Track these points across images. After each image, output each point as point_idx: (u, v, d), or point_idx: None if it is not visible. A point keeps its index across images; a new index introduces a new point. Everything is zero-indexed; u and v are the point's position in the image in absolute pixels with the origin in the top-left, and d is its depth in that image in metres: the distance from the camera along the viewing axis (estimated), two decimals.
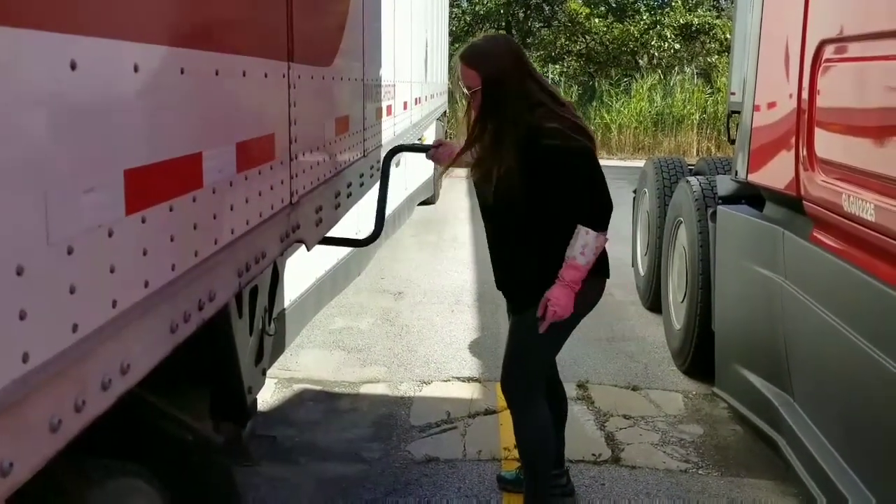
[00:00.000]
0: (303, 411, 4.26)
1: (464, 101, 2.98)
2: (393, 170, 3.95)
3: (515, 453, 3.76)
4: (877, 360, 2.49)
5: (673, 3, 21.21)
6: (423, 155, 3.49)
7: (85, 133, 1.20)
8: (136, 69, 1.34)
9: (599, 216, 2.81)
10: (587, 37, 21.57)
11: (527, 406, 3.07)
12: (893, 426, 2.50)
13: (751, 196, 4.04)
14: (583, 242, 2.78)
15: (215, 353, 2.28)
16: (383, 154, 4.07)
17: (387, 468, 3.65)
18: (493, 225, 3.02)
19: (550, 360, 3.15)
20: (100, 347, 1.23)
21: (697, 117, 18.11)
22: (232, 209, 1.86)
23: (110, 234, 1.27)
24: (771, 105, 3.66)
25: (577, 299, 2.82)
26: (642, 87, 18.95)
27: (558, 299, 2.79)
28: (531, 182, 2.79)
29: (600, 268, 2.92)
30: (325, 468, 3.64)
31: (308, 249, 2.79)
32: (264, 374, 2.76)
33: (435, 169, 10.61)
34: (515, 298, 3.05)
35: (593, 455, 3.78)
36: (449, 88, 14.32)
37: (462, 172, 13.89)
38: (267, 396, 4.32)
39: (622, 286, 6.35)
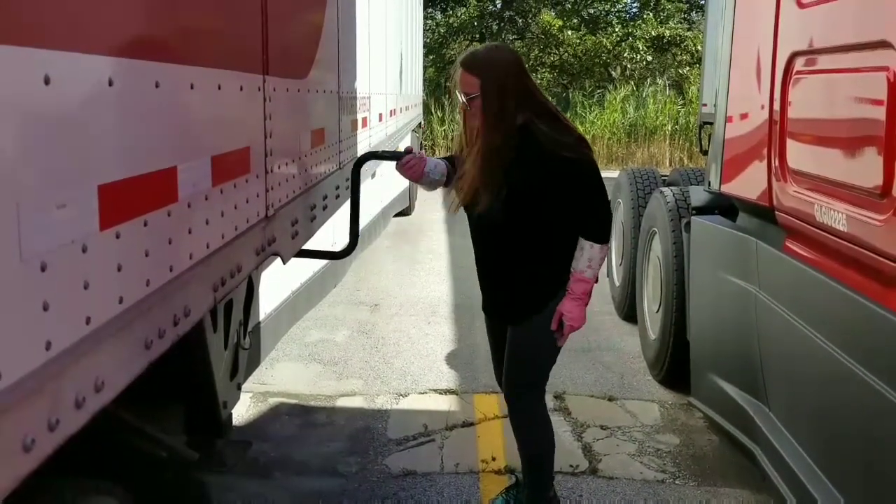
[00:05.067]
0: (278, 425, 4.22)
1: (458, 115, 2.98)
2: (368, 181, 3.93)
3: (494, 465, 3.76)
4: (849, 367, 2.52)
5: (645, 16, 21.46)
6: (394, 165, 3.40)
7: (58, 148, 1.18)
8: (110, 83, 1.33)
9: (603, 229, 2.87)
10: (560, 49, 21.73)
11: (532, 414, 3.07)
12: (867, 433, 2.52)
13: (724, 206, 4.08)
14: (589, 256, 2.84)
15: (190, 368, 2.26)
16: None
17: (364, 482, 3.63)
18: (494, 238, 2.95)
19: (551, 367, 3.14)
20: (73, 365, 1.22)
21: (670, 128, 18.29)
22: (207, 223, 1.84)
23: (84, 250, 1.25)
24: (743, 116, 3.71)
25: None
26: (615, 98, 19.11)
27: (572, 312, 2.86)
28: (542, 194, 2.80)
29: None
30: (301, 483, 3.61)
31: (284, 262, 2.77)
32: (239, 388, 2.74)
33: (413, 186, 10.62)
34: (516, 311, 3.01)
35: (571, 466, 3.78)
36: (423, 100, 14.33)
37: None
38: (242, 411, 4.28)
39: (598, 296, 6.36)
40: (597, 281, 3.00)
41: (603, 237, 2.87)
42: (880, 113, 2.39)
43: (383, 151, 3.64)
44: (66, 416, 1.19)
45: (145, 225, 1.48)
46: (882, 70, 2.38)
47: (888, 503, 2.40)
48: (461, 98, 2.85)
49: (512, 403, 3.10)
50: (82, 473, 1.64)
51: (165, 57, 1.59)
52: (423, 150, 5.35)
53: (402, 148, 3.42)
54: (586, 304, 2.90)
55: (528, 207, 2.82)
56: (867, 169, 2.48)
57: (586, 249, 2.85)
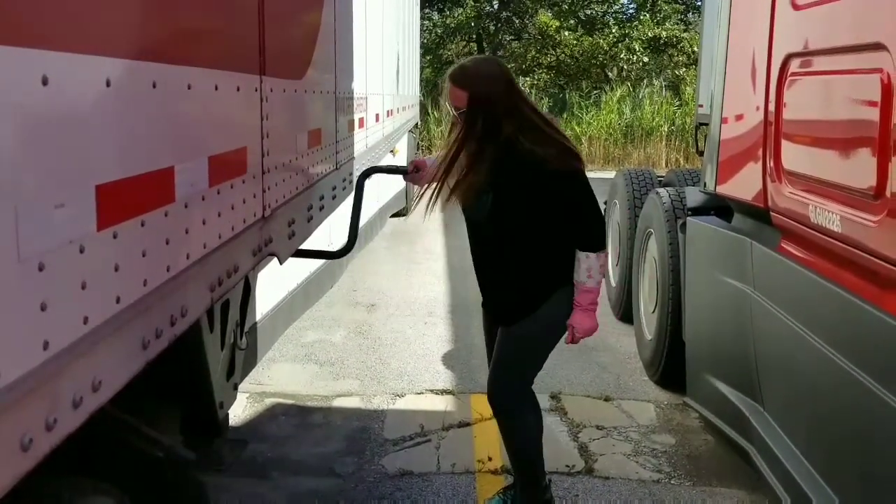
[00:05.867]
0: (275, 426, 4.22)
1: (445, 126, 3.00)
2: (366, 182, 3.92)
3: (490, 465, 3.77)
4: (844, 368, 2.53)
5: (641, 17, 21.49)
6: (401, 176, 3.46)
7: (56, 148, 1.19)
8: (107, 84, 1.34)
9: (596, 238, 2.89)
10: (557, 49, 21.76)
11: (517, 415, 3.08)
12: (862, 433, 2.53)
13: (720, 207, 4.09)
14: (587, 266, 2.87)
15: (186, 368, 2.26)
16: (356, 171, 4.07)
17: (360, 482, 3.63)
18: (483, 243, 3.00)
19: (539, 369, 3.15)
20: (71, 364, 1.22)
21: (666, 129, 18.32)
22: (204, 223, 1.85)
23: (82, 250, 1.26)
24: (738, 117, 3.72)
25: (566, 310, 2.93)
26: (612, 99, 19.14)
27: (582, 324, 2.92)
28: (528, 204, 2.82)
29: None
30: (297, 483, 3.62)
31: (281, 263, 2.78)
32: (236, 388, 2.74)
33: (409, 186, 10.62)
34: (504, 313, 3.04)
35: (567, 466, 3.79)
36: (420, 101, 14.34)
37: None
38: (239, 411, 4.28)
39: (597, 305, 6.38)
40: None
41: (597, 245, 2.87)
42: (874, 114, 2.40)
43: (388, 166, 3.72)
44: (63, 416, 1.20)
45: (143, 225, 1.49)
46: (876, 72, 2.39)
47: (883, 503, 2.41)
48: (452, 111, 2.88)
49: (495, 406, 3.12)
50: (80, 473, 1.64)
51: (163, 58, 1.59)
52: (420, 151, 5.37)
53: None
54: (595, 311, 2.94)
55: (512, 218, 2.85)
56: (861, 170, 2.49)
57: (583, 260, 2.87)
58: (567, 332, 2.96)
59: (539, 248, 2.91)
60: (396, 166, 3.41)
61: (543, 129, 2.86)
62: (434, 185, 2.93)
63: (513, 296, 2.97)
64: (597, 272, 2.88)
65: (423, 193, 3.00)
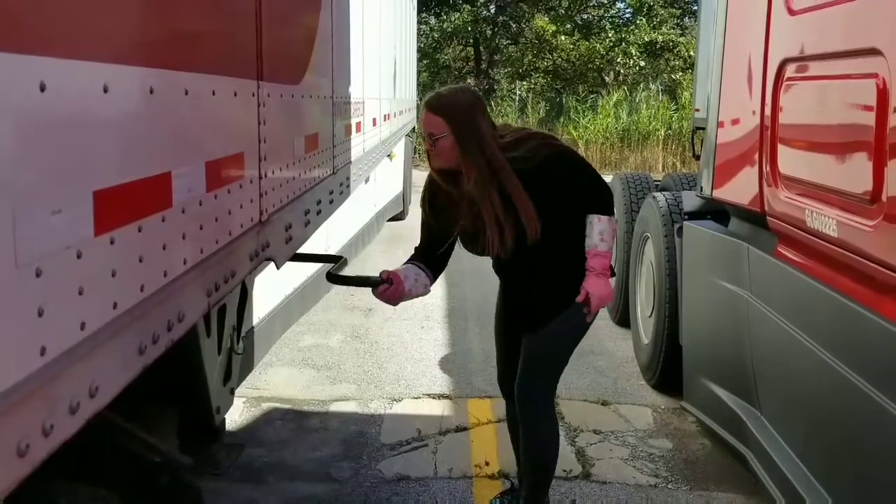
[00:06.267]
0: (272, 430, 4.22)
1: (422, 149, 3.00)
2: (362, 186, 3.91)
3: (487, 470, 3.77)
4: (840, 371, 2.54)
5: (638, 21, 21.53)
6: (373, 280, 2.93)
7: (54, 154, 1.19)
8: (105, 89, 1.34)
9: (605, 200, 2.91)
10: (554, 54, 21.80)
11: (546, 417, 3.09)
12: (858, 436, 2.54)
13: (716, 212, 4.10)
14: (599, 229, 2.87)
15: (183, 373, 2.26)
16: (353, 176, 4.04)
17: (357, 487, 3.63)
18: (514, 253, 2.90)
19: (563, 369, 3.14)
20: (68, 370, 1.22)
21: (663, 133, 18.35)
22: (201, 229, 1.85)
23: (79, 256, 1.25)
24: (735, 122, 3.73)
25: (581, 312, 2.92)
26: (608, 103, 19.18)
27: (599, 289, 2.89)
28: (545, 200, 2.84)
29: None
30: (294, 488, 3.61)
31: (278, 267, 2.78)
32: (233, 393, 2.73)
33: (406, 182, 10.63)
34: (542, 315, 3.00)
35: (564, 471, 3.79)
36: (418, 105, 14.35)
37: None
38: (236, 416, 4.28)
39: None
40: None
41: (606, 208, 2.90)
42: (870, 119, 2.41)
43: (354, 277, 3.10)
44: (60, 422, 1.19)
45: (140, 230, 1.48)
46: (872, 77, 2.40)
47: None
48: (426, 139, 2.90)
49: (527, 410, 3.08)
50: (76, 479, 1.64)
51: (160, 63, 1.59)
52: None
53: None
54: (608, 277, 2.92)
55: (540, 217, 2.84)
56: (857, 175, 2.50)
57: (595, 223, 2.87)
58: (581, 293, 2.88)
59: (565, 244, 2.92)
60: (365, 277, 2.94)
61: (511, 134, 2.91)
62: (497, 234, 2.86)
63: (545, 298, 2.97)
64: (609, 236, 2.88)
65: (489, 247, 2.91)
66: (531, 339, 3.04)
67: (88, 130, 1.30)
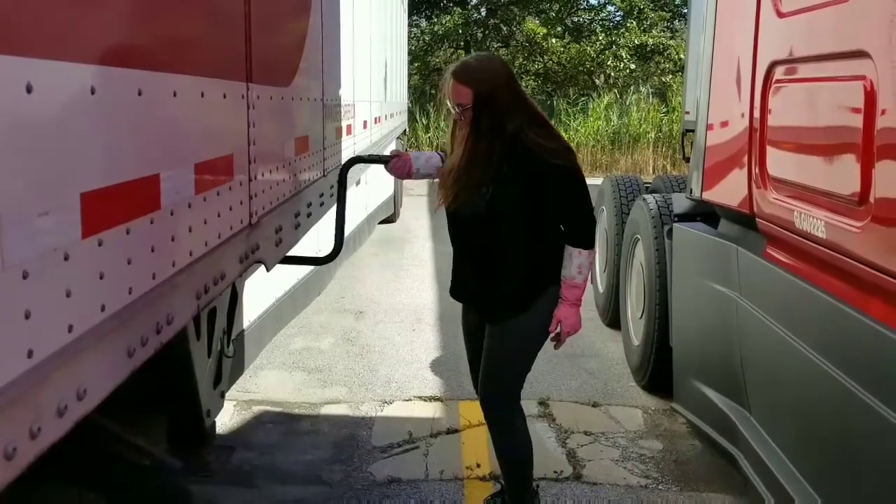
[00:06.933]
0: (262, 433, 4.21)
1: (448, 121, 3.00)
2: (353, 188, 3.94)
3: (479, 472, 3.77)
4: (828, 372, 2.55)
5: (628, 24, 21.59)
6: (383, 168, 3.39)
7: (41, 156, 1.18)
8: (92, 91, 1.33)
9: (590, 233, 2.93)
10: (545, 57, 21.83)
11: (508, 418, 3.07)
12: (846, 436, 2.55)
13: (706, 214, 4.11)
14: (578, 263, 2.91)
15: (173, 376, 2.25)
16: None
17: (348, 490, 3.62)
18: (475, 237, 2.97)
19: (527, 371, 3.13)
20: (56, 373, 1.21)
21: (653, 136, 18.40)
22: (190, 231, 1.84)
23: (66, 258, 1.25)
24: (724, 124, 3.74)
25: (547, 312, 2.94)
26: (599, 105, 19.21)
27: (569, 318, 2.94)
28: (527, 196, 2.84)
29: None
30: (285, 491, 3.60)
31: (268, 270, 2.77)
32: (223, 396, 2.73)
33: (397, 185, 10.63)
34: (495, 310, 3.02)
35: (555, 472, 3.79)
36: (409, 108, 14.34)
37: (422, 190, 13.74)
38: (226, 419, 4.26)
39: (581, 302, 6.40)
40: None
41: (589, 243, 2.92)
42: (858, 121, 2.42)
43: (370, 155, 3.68)
44: (48, 425, 1.19)
45: (128, 233, 1.48)
46: (859, 79, 2.42)
47: (863, 503, 2.43)
48: (454, 109, 2.87)
49: (489, 410, 3.09)
50: (65, 482, 1.63)
51: (148, 65, 1.59)
52: (408, 150, 5.33)
53: (388, 152, 3.40)
54: (580, 308, 2.97)
55: (513, 209, 2.86)
56: (845, 176, 2.51)
57: (574, 256, 2.89)
58: (553, 323, 2.93)
59: (537, 242, 2.92)
60: (379, 155, 3.49)
61: (546, 125, 2.92)
62: (449, 182, 2.90)
63: (504, 294, 2.96)
64: (586, 269, 2.93)
65: (439, 185, 3.03)
66: (494, 336, 3.03)
67: (76, 132, 1.30)
